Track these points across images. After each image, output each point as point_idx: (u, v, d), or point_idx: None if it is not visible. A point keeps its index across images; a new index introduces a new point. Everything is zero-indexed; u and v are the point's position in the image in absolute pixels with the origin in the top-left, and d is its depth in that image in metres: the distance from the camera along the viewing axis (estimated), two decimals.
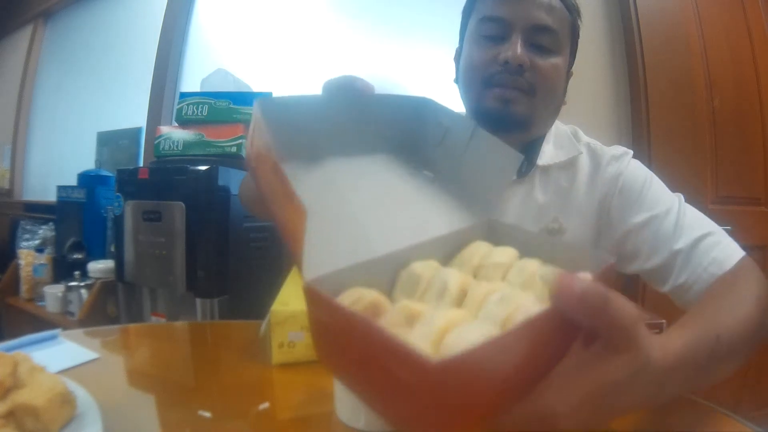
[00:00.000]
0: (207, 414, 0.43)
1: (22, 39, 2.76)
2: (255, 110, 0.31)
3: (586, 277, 0.25)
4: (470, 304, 0.27)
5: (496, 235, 0.37)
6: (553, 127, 0.69)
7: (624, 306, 0.24)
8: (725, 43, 1.44)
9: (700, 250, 0.55)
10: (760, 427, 0.42)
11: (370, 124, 0.38)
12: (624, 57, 1.36)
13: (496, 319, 0.25)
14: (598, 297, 0.23)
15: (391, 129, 0.40)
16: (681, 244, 0.57)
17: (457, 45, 0.71)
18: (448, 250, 0.34)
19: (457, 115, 0.41)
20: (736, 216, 1.36)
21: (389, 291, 0.30)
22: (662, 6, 1.37)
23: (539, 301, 0.26)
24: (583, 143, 0.68)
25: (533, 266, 0.30)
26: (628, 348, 0.25)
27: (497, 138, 0.38)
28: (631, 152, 0.66)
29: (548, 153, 0.67)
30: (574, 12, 0.64)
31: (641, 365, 0.26)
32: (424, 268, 0.30)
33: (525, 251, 0.33)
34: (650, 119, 1.29)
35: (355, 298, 0.26)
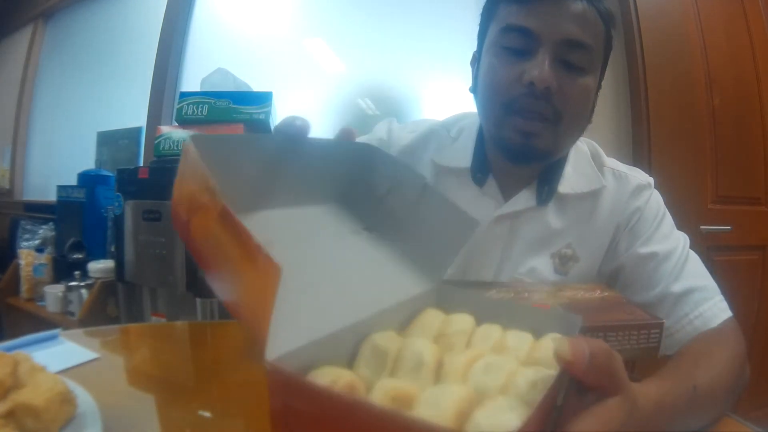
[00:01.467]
0: (207, 414, 0.43)
1: (22, 39, 2.76)
2: (187, 149, 0.26)
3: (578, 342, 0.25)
4: (451, 375, 0.26)
5: (445, 299, 0.35)
6: (572, 150, 0.63)
7: (617, 355, 0.27)
8: (725, 43, 1.44)
9: (691, 300, 0.55)
10: (760, 427, 0.42)
11: (315, 171, 0.34)
12: (624, 57, 1.36)
13: (493, 387, 0.25)
14: (605, 356, 0.25)
15: (335, 177, 0.36)
16: (676, 288, 0.56)
17: (474, 49, 0.63)
18: (403, 318, 0.33)
19: (407, 168, 0.37)
20: (736, 216, 1.36)
21: (350, 366, 0.27)
22: (662, 6, 1.37)
23: (521, 364, 0.27)
24: (607, 169, 0.63)
25: (497, 332, 0.31)
26: (621, 389, 0.27)
27: (451, 203, 0.35)
28: (653, 182, 0.64)
29: (569, 179, 0.61)
30: (609, 22, 0.55)
31: (632, 404, 0.27)
32: (388, 341, 0.28)
33: (480, 316, 0.32)
34: (650, 119, 1.29)
35: (332, 380, 0.23)
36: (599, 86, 0.58)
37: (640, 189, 0.62)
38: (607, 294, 0.48)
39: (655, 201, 0.62)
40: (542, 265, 0.61)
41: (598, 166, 0.63)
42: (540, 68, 0.51)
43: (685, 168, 1.31)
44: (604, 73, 0.59)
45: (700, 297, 0.55)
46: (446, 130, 0.68)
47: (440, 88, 1.54)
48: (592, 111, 0.59)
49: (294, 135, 0.32)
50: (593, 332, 0.38)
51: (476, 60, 0.63)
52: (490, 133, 0.59)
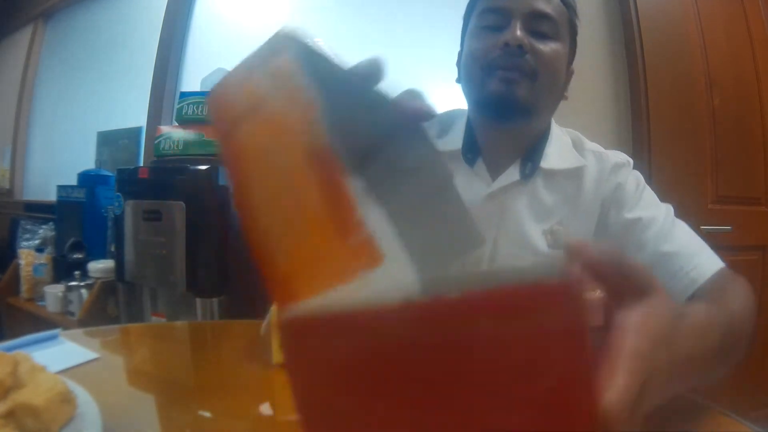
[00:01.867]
0: (207, 414, 0.43)
1: (22, 39, 2.76)
2: (279, 52, 0.21)
3: None
4: None
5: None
6: (554, 129, 0.68)
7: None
8: (725, 43, 1.44)
9: (684, 255, 0.56)
10: (760, 427, 0.42)
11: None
12: (624, 57, 1.36)
13: None
14: (614, 251, 0.24)
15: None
16: (666, 248, 0.57)
17: (459, 48, 0.70)
18: None
19: (439, 155, 0.33)
20: (736, 216, 1.36)
21: None
22: (662, 6, 1.37)
23: None
24: (588, 152, 0.68)
25: None
26: (655, 287, 0.24)
27: (466, 210, 0.32)
28: (632, 162, 0.67)
29: (552, 156, 0.66)
30: (571, 9, 0.64)
31: (669, 302, 0.25)
32: None
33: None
34: (650, 119, 1.29)
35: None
36: (570, 65, 0.65)
37: (619, 166, 0.66)
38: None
39: (634, 176, 0.66)
40: (537, 240, 0.65)
41: (579, 150, 0.68)
42: (512, 32, 0.58)
43: (685, 168, 1.31)
44: (574, 55, 0.66)
45: (692, 251, 0.57)
46: (441, 117, 0.73)
47: (441, 88, 1.54)
48: (566, 85, 0.66)
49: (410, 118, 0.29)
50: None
51: (460, 57, 0.68)
52: (474, 100, 0.65)
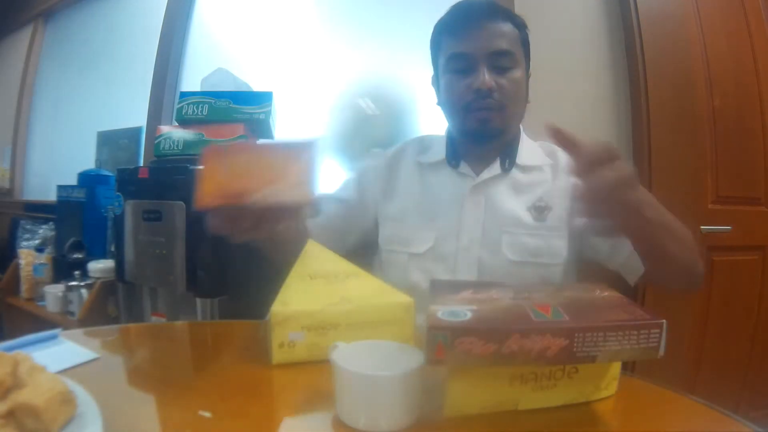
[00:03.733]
0: (207, 414, 0.43)
1: (22, 39, 2.76)
2: None
3: None
4: None
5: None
6: (523, 132, 0.85)
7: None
8: (725, 43, 1.44)
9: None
10: (760, 427, 0.42)
11: None
12: (624, 57, 1.36)
13: None
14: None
15: None
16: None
17: (432, 72, 0.86)
18: None
19: None
20: (736, 216, 1.36)
21: None
22: (662, 6, 1.37)
23: None
24: (559, 152, 0.81)
25: None
26: (618, 155, 0.46)
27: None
28: None
29: (525, 154, 0.82)
30: (522, 28, 0.78)
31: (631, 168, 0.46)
32: None
33: None
34: (650, 119, 1.29)
35: None
36: (528, 74, 0.81)
37: None
38: (606, 294, 0.48)
39: None
40: (523, 216, 0.78)
41: (550, 155, 0.83)
42: (481, 78, 0.74)
43: (685, 168, 1.31)
44: (530, 61, 0.81)
45: None
46: (416, 142, 0.90)
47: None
48: (527, 94, 0.82)
49: None
50: (593, 332, 0.38)
51: (435, 81, 0.85)
52: (458, 128, 0.82)
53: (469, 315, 0.40)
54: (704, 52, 1.40)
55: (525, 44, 0.80)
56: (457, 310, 0.41)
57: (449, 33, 0.78)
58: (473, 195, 0.79)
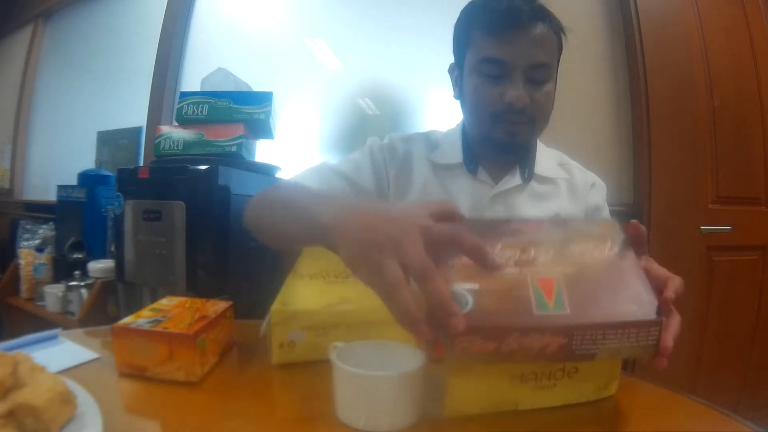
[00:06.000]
0: (207, 414, 0.43)
1: (22, 39, 2.76)
2: None
3: None
4: None
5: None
6: (539, 141, 0.81)
7: None
8: (725, 43, 1.44)
9: None
10: (760, 427, 0.43)
11: None
12: (624, 57, 1.36)
13: None
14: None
15: None
16: None
17: (452, 60, 0.78)
18: None
19: None
20: (736, 216, 1.36)
21: None
22: (662, 6, 1.37)
23: None
24: (572, 166, 0.82)
25: None
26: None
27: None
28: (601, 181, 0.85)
29: (542, 164, 0.79)
30: (560, 32, 0.70)
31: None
32: None
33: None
34: (650, 119, 1.29)
35: None
36: (556, 82, 0.74)
37: (597, 186, 0.82)
38: (617, 251, 0.44)
39: (603, 193, 0.84)
40: None
41: (565, 168, 0.82)
42: (516, 91, 0.67)
43: (685, 168, 1.31)
44: (558, 67, 0.74)
45: None
46: (423, 138, 0.82)
47: (440, 87, 1.54)
48: (553, 103, 0.75)
49: None
50: (593, 330, 0.38)
51: (453, 71, 0.78)
52: (482, 135, 0.75)
53: (470, 303, 0.38)
54: (704, 52, 1.40)
55: (560, 51, 0.72)
56: (458, 294, 0.38)
57: (487, 31, 0.68)
58: (493, 204, 0.76)
